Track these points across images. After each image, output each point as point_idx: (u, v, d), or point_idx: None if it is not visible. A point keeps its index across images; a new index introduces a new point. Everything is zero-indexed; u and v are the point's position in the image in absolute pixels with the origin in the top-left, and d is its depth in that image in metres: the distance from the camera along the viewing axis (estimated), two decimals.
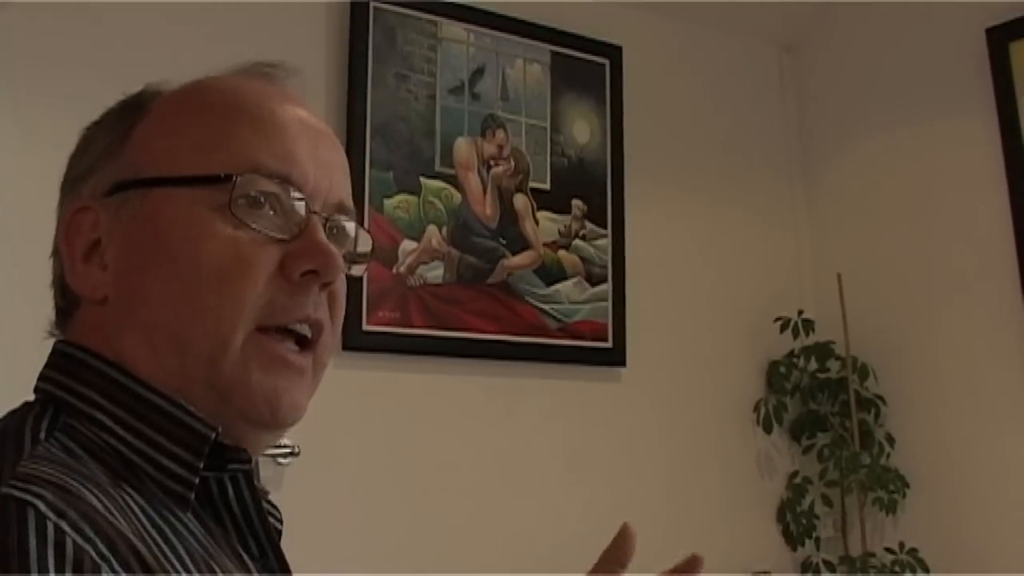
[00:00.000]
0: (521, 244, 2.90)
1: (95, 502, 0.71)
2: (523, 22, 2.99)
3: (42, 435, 0.78)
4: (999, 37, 3.00)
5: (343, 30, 2.73)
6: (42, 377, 0.87)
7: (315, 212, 0.88)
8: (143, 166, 0.87)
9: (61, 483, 0.71)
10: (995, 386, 2.98)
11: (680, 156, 3.30)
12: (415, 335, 2.68)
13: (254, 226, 0.84)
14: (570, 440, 2.93)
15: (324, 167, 0.90)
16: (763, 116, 3.53)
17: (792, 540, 3.21)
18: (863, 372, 3.19)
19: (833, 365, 3.25)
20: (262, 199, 0.85)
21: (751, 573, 2.96)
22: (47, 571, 0.65)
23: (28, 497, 0.68)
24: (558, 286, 2.94)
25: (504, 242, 2.87)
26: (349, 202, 0.93)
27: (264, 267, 0.84)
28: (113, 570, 0.68)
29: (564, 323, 2.93)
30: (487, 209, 2.86)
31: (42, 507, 0.68)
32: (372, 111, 2.69)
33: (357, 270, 0.94)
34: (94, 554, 0.67)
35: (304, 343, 0.88)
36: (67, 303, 0.90)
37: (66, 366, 0.86)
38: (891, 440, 3.16)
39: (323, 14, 2.74)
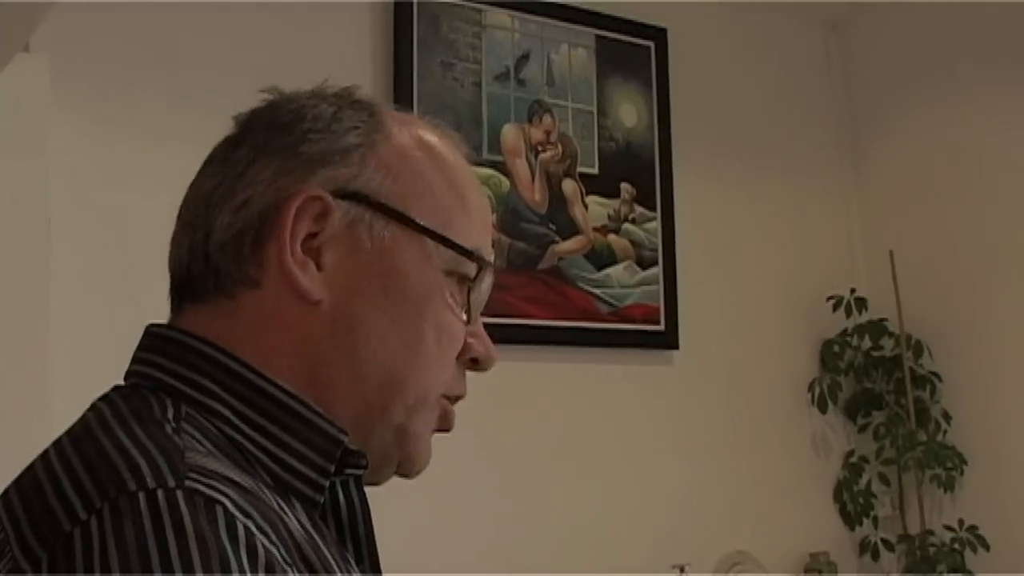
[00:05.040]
0: (571, 229, 2.90)
1: (268, 502, 0.71)
2: (567, 7, 2.99)
3: (172, 424, 0.75)
4: None
5: (388, 20, 2.74)
6: (143, 361, 0.83)
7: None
8: (387, 194, 0.86)
9: (237, 480, 0.70)
10: None
11: (728, 137, 3.29)
12: None
13: (465, 303, 0.90)
14: (623, 424, 2.94)
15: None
16: (810, 94, 3.50)
17: (850, 519, 3.20)
18: (917, 349, 3.17)
19: (887, 343, 3.23)
20: (476, 283, 0.91)
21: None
22: (244, 573, 0.63)
23: (215, 495, 0.66)
24: (609, 270, 2.94)
25: (553, 227, 2.87)
26: None
27: (461, 345, 0.92)
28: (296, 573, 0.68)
29: (615, 307, 2.93)
30: (536, 195, 2.86)
31: (230, 506, 0.66)
32: (418, 100, 2.70)
33: None
34: (279, 558, 0.67)
35: None
36: (240, 272, 0.83)
37: (176, 352, 0.81)
38: (947, 417, 3.14)
39: (368, 3, 2.75)
